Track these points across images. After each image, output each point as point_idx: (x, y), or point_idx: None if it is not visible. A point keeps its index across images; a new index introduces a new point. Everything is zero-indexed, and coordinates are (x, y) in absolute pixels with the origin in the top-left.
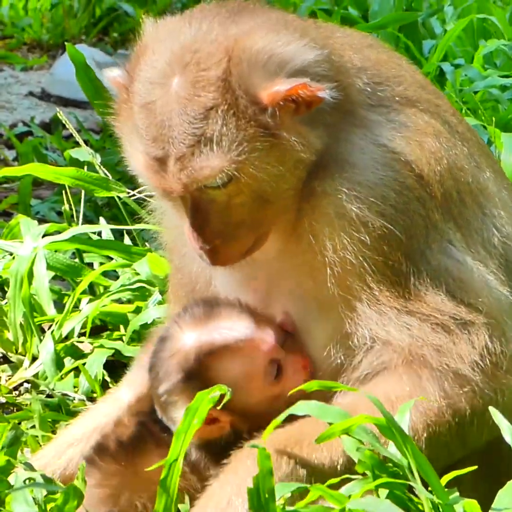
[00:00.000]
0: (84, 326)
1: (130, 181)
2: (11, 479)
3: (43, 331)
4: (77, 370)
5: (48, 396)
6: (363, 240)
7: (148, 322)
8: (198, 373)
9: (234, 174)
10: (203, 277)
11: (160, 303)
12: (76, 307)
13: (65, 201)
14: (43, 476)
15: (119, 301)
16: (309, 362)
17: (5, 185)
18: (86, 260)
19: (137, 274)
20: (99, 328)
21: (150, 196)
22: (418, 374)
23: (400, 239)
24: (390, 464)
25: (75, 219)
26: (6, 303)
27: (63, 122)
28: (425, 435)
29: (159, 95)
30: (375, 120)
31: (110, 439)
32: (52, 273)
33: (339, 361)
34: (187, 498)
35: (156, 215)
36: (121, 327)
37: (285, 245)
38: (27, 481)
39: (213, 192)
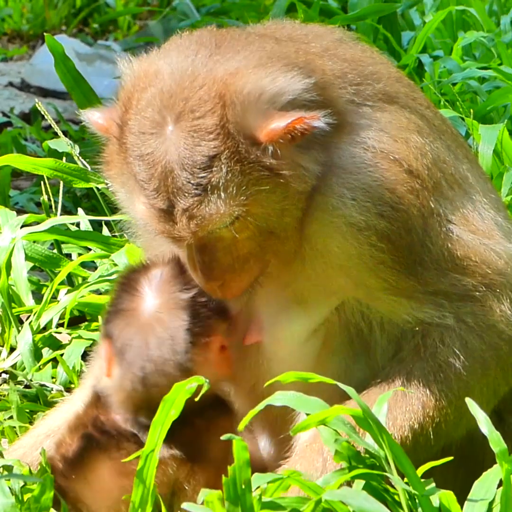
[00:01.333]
0: (62, 317)
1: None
2: None
3: (21, 322)
4: (55, 361)
5: (26, 386)
6: (370, 242)
7: None
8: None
9: (241, 214)
10: None
11: None
12: (54, 298)
13: (44, 192)
14: (21, 466)
15: (97, 292)
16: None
17: None
18: (65, 251)
19: (116, 265)
20: (77, 319)
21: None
22: (464, 338)
23: (400, 235)
24: (367, 456)
25: (53, 210)
26: None
27: (42, 112)
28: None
29: (154, 146)
30: (362, 124)
31: (56, 459)
32: (31, 264)
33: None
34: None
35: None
36: (99, 318)
37: (289, 265)
38: (3, 472)
39: (219, 231)
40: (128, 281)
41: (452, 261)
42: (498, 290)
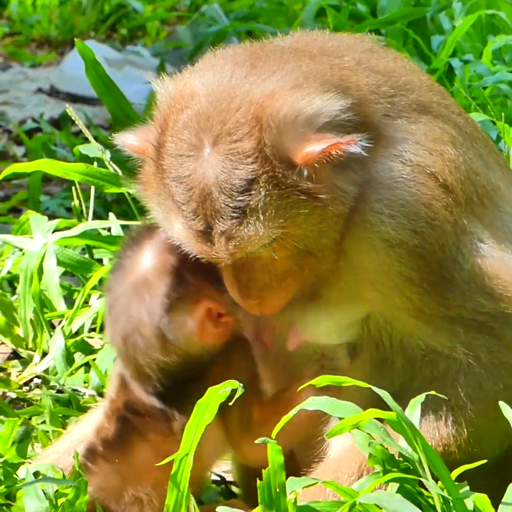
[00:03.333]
0: (94, 321)
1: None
2: (21, 473)
3: (53, 327)
4: (87, 366)
5: (59, 391)
6: (401, 259)
7: None
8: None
9: (279, 236)
10: None
11: None
12: (86, 302)
13: (75, 197)
14: (54, 471)
15: None
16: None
17: (14, 182)
18: (96, 255)
19: None
20: None
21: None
22: (476, 377)
23: (433, 250)
24: (401, 459)
25: (84, 215)
26: (16, 299)
27: (72, 118)
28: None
29: (192, 169)
30: (398, 137)
31: (97, 444)
32: (62, 269)
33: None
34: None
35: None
36: None
37: (325, 279)
38: (37, 476)
39: (257, 252)
40: (134, 238)
41: (481, 280)
42: None
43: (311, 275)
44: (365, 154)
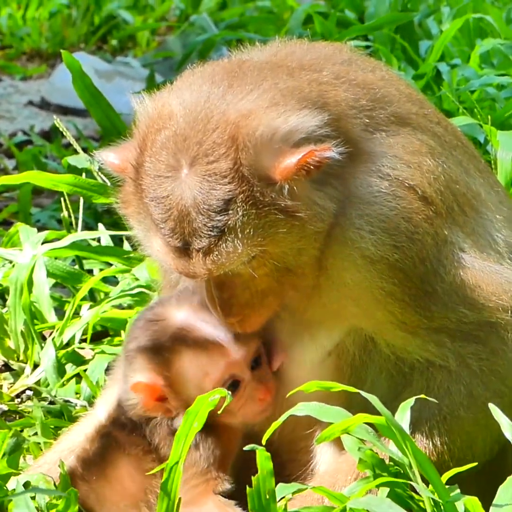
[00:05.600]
0: (85, 332)
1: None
2: (11, 485)
3: (44, 338)
4: (78, 377)
5: (50, 403)
6: (381, 274)
7: None
8: (164, 349)
9: (258, 254)
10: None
11: None
12: (76, 313)
13: (64, 208)
14: (45, 481)
15: (119, 306)
16: (271, 396)
17: (5, 194)
18: (86, 266)
19: (137, 279)
20: (100, 334)
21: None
22: (467, 386)
23: (414, 265)
24: (391, 463)
25: (74, 226)
26: (7, 311)
27: (62, 130)
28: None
29: (170, 189)
30: (376, 151)
31: (76, 467)
32: (52, 280)
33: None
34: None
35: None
36: (122, 332)
37: (306, 296)
38: (28, 487)
39: (236, 269)
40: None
41: (463, 291)
42: (502, 331)
43: (292, 292)
44: (344, 169)
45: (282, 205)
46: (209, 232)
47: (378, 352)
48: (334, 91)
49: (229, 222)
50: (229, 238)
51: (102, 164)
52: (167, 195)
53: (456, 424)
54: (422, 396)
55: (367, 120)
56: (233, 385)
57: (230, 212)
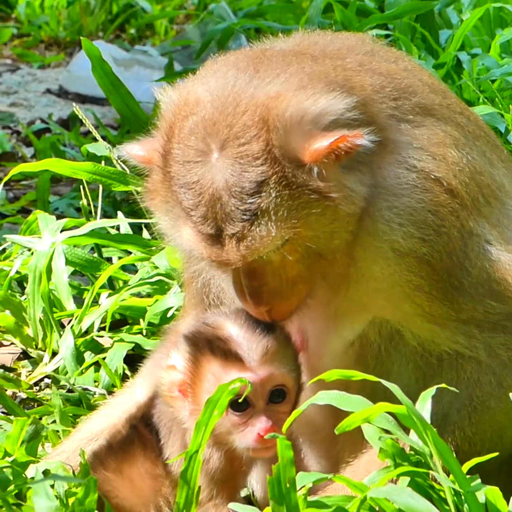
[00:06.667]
0: (103, 320)
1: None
2: (30, 472)
3: (62, 326)
4: (97, 365)
5: (69, 391)
6: (410, 267)
7: (167, 314)
8: (199, 350)
9: (291, 238)
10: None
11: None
12: (95, 301)
13: (83, 196)
14: (64, 469)
15: (138, 295)
16: (271, 442)
17: (23, 182)
18: (105, 254)
19: (156, 267)
20: (119, 322)
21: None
22: (497, 376)
23: (441, 258)
24: (412, 452)
25: (93, 214)
26: (25, 298)
27: (81, 118)
28: None
29: (200, 174)
30: (403, 141)
31: (103, 445)
32: (71, 268)
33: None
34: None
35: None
36: (141, 320)
37: (335, 286)
38: (47, 475)
39: (268, 254)
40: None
41: (489, 284)
42: None
43: (321, 281)
44: (372, 157)
45: (314, 186)
46: (242, 216)
47: (405, 344)
48: (359, 77)
49: (262, 204)
50: (262, 221)
51: (127, 157)
52: (197, 180)
53: (487, 414)
54: (453, 388)
55: (393, 108)
56: (242, 404)
57: (263, 194)
